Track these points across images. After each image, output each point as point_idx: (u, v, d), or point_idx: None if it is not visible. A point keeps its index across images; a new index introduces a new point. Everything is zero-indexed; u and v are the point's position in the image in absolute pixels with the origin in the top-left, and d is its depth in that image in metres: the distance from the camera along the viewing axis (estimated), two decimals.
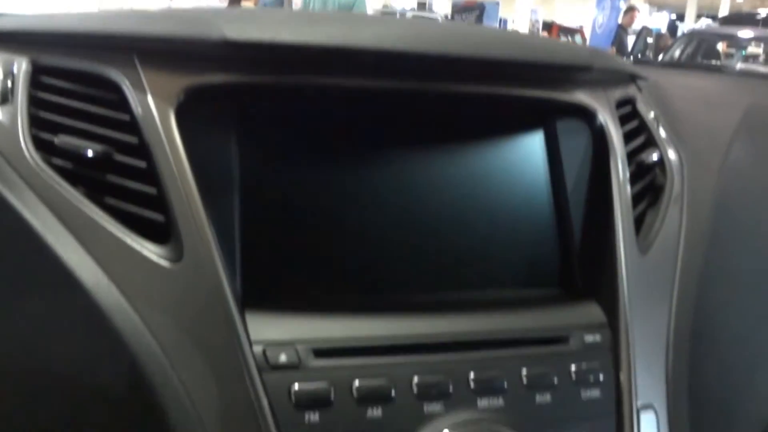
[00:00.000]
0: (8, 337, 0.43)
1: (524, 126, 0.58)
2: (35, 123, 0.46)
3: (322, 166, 0.52)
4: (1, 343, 0.42)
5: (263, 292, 0.48)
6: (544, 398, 0.48)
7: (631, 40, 6.89)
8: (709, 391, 0.53)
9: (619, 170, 0.56)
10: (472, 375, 0.47)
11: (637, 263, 0.53)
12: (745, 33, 6.02)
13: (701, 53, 5.82)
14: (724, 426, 0.54)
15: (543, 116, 0.59)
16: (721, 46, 6.41)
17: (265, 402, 0.43)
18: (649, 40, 7.00)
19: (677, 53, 5.86)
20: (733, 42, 6.37)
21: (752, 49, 7.33)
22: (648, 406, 0.50)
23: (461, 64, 0.52)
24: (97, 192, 0.45)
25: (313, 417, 0.43)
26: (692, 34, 6.48)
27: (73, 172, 0.45)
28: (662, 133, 0.63)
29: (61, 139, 0.45)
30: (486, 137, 0.57)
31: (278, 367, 0.44)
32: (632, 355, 0.50)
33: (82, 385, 0.42)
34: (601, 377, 0.50)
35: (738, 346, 0.57)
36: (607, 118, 0.58)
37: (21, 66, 0.48)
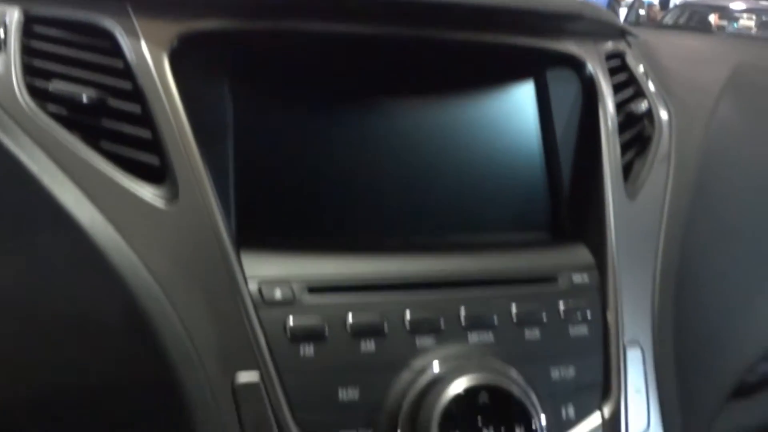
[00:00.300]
0: (9, 278, 0.43)
1: (515, 75, 0.59)
2: (29, 71, 0.46)
3: (315, 111, 0.52)
4: (1, 285, 0.43)
5: (258, 232, 0.49)
6: (533, 334, 0.49)
7: (623, 12, 6.85)
8: (693, 330, 0.55)
9: (608, 119, 0.57)
10: (462, 311, 0.48)
11: (625, 208, 0.54)
12: (737, 5, 6.01)
13: (693, 25, 5.80)
14: (708, 363, 0.56)
15: (533, 66, 0.59)
16: (713, 18, 6.38)
17: (261, 337, 0.44)
18: (641, 12, 6.96)
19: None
20: (726, 14, 6.35)
21: (744, 21, 7.29)
22: (634, 343, 0.51)
23: (453, 11, 0.52)
24: (92, 136, 0.45)
25: (308, 350, 0.44)
26: (684, 6, 6.47)
27: (68, 118, 0.45)
28: (651, 86, 0.64)
29: (55, 85, 0.45)
30: (478, 86, 0.58)
31: (273, 304, 0.45)
32: (619, 295, 0.52)
33: (82, 326, 0.43)
34: (589, 315, 0.51)
35: (722, 288, 0.58)
36: (596, 69, 0.59)
37: (13, 16, 0.48)
